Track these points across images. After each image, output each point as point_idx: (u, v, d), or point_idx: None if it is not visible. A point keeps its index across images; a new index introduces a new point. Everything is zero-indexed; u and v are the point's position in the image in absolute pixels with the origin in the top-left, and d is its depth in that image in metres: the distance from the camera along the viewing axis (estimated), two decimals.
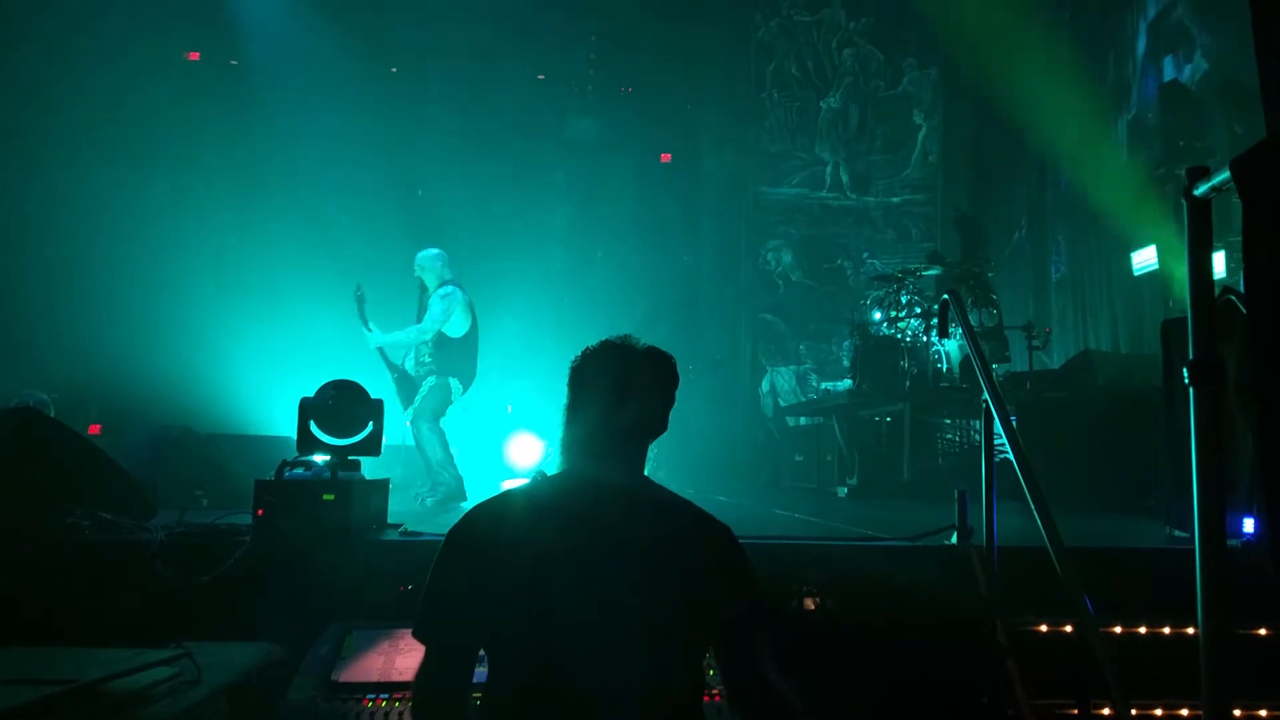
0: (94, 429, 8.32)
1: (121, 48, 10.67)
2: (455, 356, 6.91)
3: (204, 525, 4.11)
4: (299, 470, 4.12)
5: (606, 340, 2.28)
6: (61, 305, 9.76)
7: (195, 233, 10.75)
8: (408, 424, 6.88)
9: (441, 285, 6.95)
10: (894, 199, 14.42)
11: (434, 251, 7.17)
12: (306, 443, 4.29)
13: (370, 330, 6.94)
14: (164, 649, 2.70)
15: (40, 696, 2.20)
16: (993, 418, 3.64)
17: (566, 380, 2.27)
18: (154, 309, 10.01)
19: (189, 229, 10.69)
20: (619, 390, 2.20)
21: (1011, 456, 3.33)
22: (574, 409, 2.26)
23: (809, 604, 3.69)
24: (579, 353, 2.30)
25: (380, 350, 6.99)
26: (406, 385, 6.96)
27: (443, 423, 6.86)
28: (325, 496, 3.97)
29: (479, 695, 2.15)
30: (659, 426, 2.29)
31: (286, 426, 5.67)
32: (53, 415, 6.41)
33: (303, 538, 3.83)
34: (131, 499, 4.33)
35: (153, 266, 10.28)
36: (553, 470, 2.26)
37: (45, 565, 3.66)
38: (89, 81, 10.46)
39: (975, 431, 8.52)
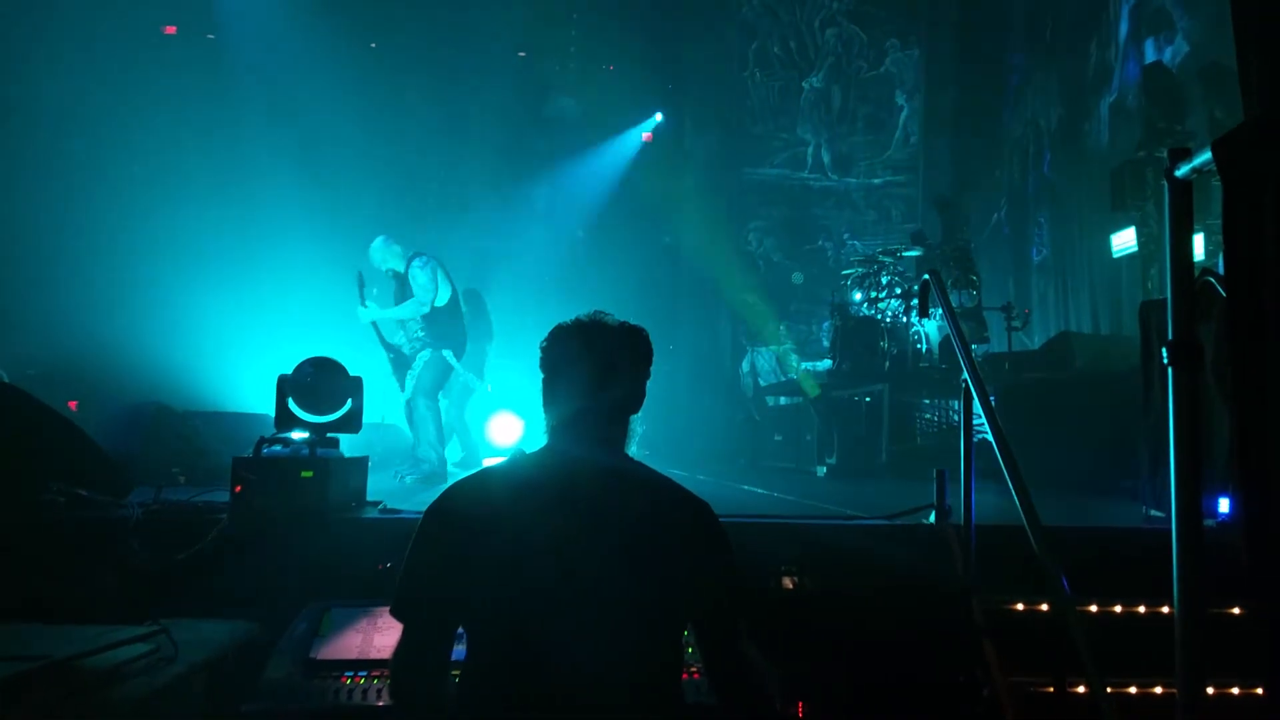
0: (70, 405, 8.23)
1: (97, 21, 10.51)
2: (444, 326, 6.86)
3: (181, 502, 4.08)
4: (277, 448, 4.10)
5: (577, 318, 2.24)
6: (35, 281, 9.64)
7: (171, 208, 10.62)
8: (407, 401, 6.83)
9: (415, 257, 6.87)
10: (875, 180, 14.44)
11: (379, 239, 7.03)
12: (285, 420, 4.25)
13: (365, 306, 6.87)
14: (140, 626, 2.68)
15: (14, 674, 2.18)
16: (972, 398, 3.64)
17: (539, 361, 2.24)
18: (129, 284, 9.89)
19: (165, 204, 10.56)
20: (592, 369, 2.18)
21: (990, 436, 3.34)
22: (549, 389, 2.23)
23: (787, 583, 3.70)
24: (549, 331, 2.25)
25: (375, 328, 6.91)
26: (401, 364, 6.90)
27: (470, 401, 6.80)
28: (304, 474, 3.94)
29: (458, 673, 2.14)
30: (636, 402, 2.26)
31: (264, 404, 5.62)
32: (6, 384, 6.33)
33: (281, 515, 3.81)
34: (107, 475, 4.28)
35: (128, 242, 10.17)
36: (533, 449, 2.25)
37: (19, 541, 3.62)
38: (62, 55, 10.30)
39: (954, 412, 8.57)
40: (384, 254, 6.97)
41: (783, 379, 12.79)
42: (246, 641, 3.13)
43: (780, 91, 14.44)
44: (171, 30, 12.07)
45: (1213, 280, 3.58)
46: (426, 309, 6.79)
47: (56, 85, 10.27)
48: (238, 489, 3.85)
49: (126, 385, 8.49)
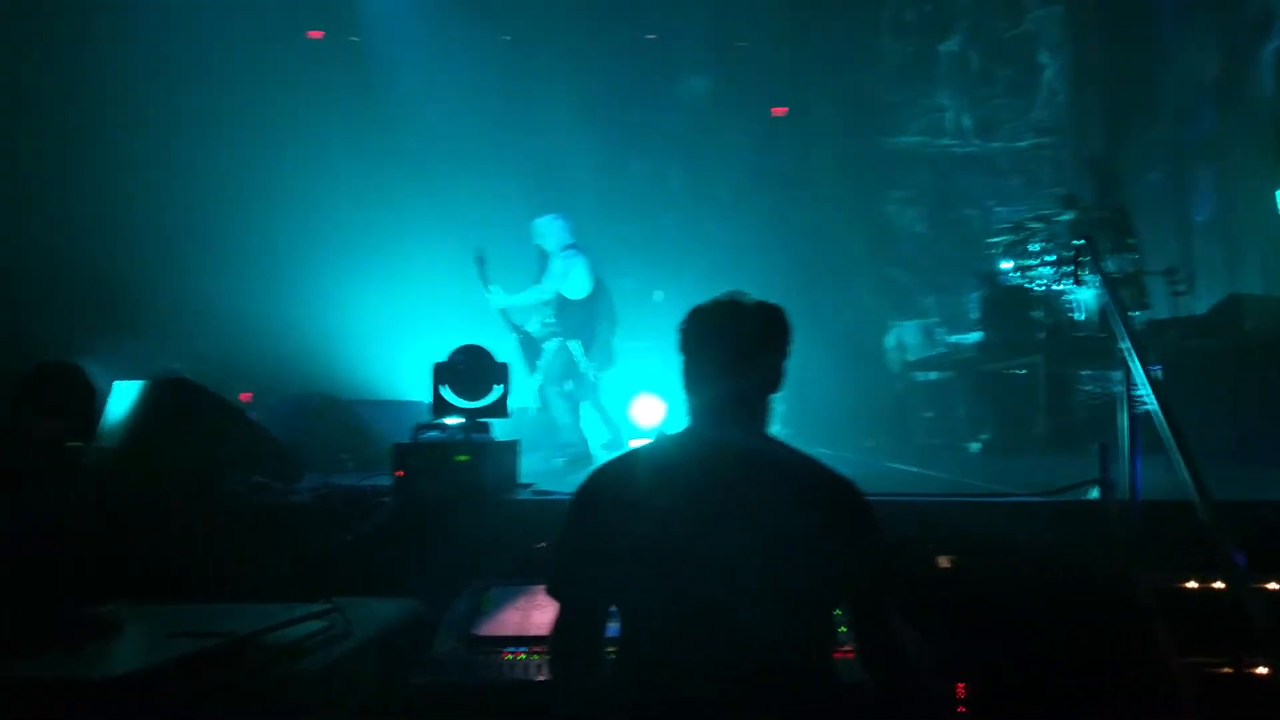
0: (245, 397, 8.70)
1: (246, 30, 11.01)
2: (576, 319, 6.98)
3: (348, 487, 4.29)
4: (434, 433, 4.27)
5: (715, 299, 2.23)
6: (208, 284, 10.20)
7: (328, 208, 11.08)
8: (540, 387, 7.01)
9: (565, 249, 7.02)
10: (1020, 143, 13.86)
11: (549, 216, 7.20)
12: (440, 406, 4.42)
13: (490, 292, 7.08)
14: (315, 604, 2.84)
15: (203, 648, 2.34)
16: (1132, 367, 3.49)
17: (678, 343, 2.24)
18: (292, 282, 10.39)
19: (321, 204, 11.03)
20: (730, 351, 2.17)
21: (1153, 407, 3.19)
22: (689, 372, 2.23)
23: (943, 562, 3.64)
24: (687, 313, 2.25)
25: (503, 312, 7.11)
26: (530, 348, 7.07)
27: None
28: (459, 458, 4.10)
29: (614, 650, 2.19)
30: (776, 382, 2.24)
31: (419, 391, 5.83)
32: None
33: (440, 498, 3.97)
34: (281, 463, 4.55)
35: (289, 242, 10.67)
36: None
37: (205, 526, 3.88)
38: (217, 61, 10.80)
39: (1116, 383, 8.19)
40: (541, 232, 7.12)
41: (930, 353, 12.45)
42: (412, 619, 3.26)
43: (915, 57, 14.00)
44: (317, 35, 12.57)
45: None
46: (547, 296, 6.94)
47: (210, 91, 10.76)
48: (400, 473, 4.03)
49: (293, 377, 8.93)
